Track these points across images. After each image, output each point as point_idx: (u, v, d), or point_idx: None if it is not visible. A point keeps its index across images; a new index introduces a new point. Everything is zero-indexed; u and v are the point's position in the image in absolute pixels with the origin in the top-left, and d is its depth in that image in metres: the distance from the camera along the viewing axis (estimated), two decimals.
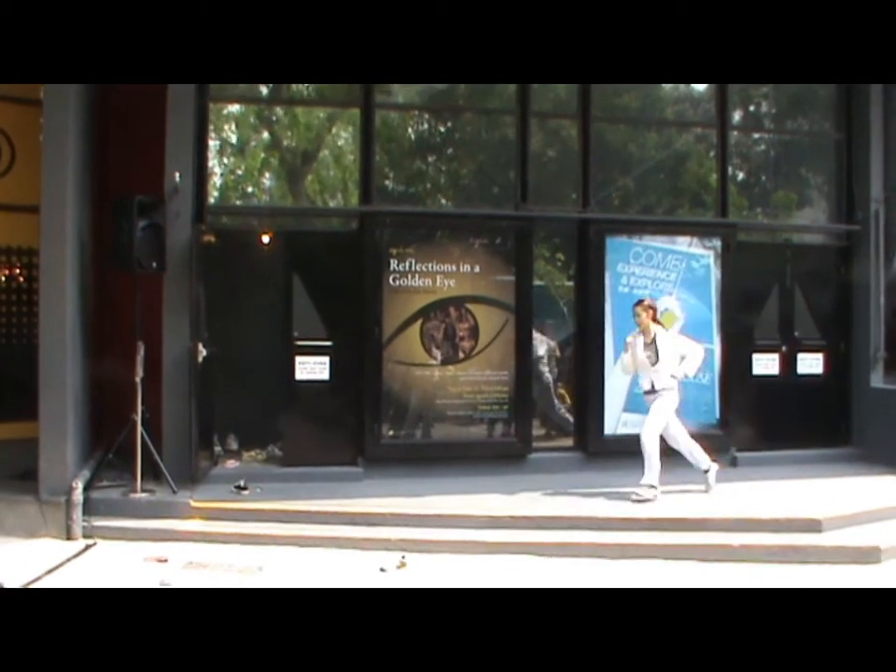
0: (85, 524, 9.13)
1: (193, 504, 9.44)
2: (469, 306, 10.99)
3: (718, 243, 11.77)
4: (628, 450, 10.47)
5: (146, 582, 7.73)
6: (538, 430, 11.65)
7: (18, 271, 11.14)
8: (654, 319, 10.16)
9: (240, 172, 12.12)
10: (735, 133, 12.55)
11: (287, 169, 12.31)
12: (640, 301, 10.26)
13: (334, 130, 12.42)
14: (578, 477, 10.62)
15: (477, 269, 11.05)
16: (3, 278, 11.10)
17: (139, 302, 9.78)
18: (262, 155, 12.26)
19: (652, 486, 9.78)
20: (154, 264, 9.89)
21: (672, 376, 10.09)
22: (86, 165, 10.20)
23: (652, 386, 10.14)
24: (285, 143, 12.21)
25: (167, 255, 9.98)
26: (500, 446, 11.15)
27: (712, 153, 12.33)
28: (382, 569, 8.18)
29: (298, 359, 10.51)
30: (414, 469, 10.50)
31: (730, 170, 12.16)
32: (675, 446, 10.21)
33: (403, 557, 8.41)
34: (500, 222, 11.37)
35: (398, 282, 10.84)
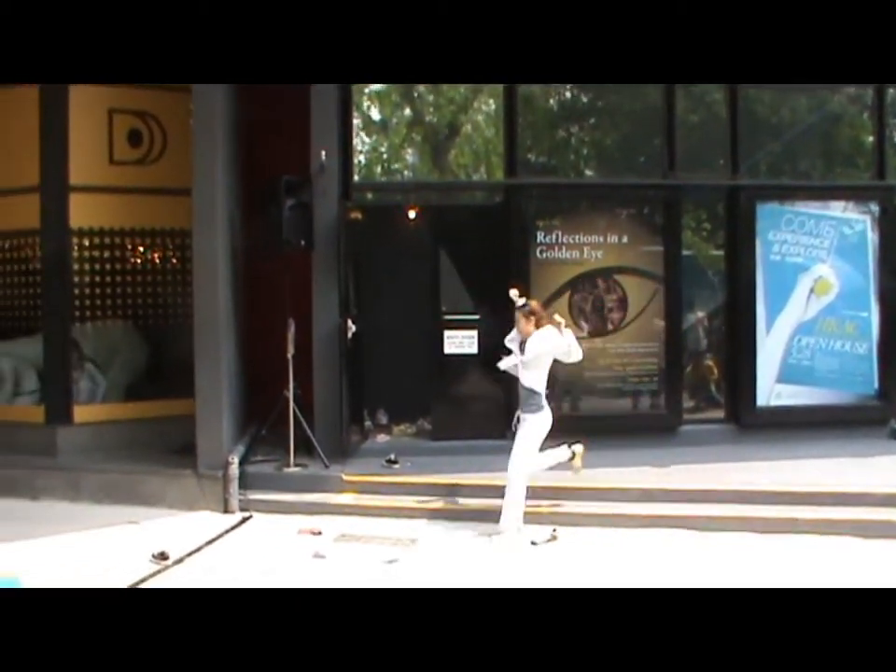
0: (241, 497, 9.40)
1: (345, 478, 9.62)
2: (617, 277, 10.91)
3: (875, 206, 11.40)
4: (782, 421, 10.28)
5: (300, 554, 7.94)
6: (688, 402, 11.49)
7: (171, 252, 11.42)
8: (538, 326, 8.46)
9: (382, 149, 12.21)
10: (893, 90, 12.07)
11: (430, 144, 12.34)
12: (522, 307, 8.57)
13: (475, 104, 12.39)
14: (730, 449, 10.44)
15: (624, 239, 10.96)
16: (157, 260, 11.39)
17: (289, 280, 9.96)
18: (405, 131, 12.33)
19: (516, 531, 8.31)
20: (302, 242, 10.07)
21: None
22: (234, 147, 10.45)
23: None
24: (427, 118, 12.25)
25: (315, 233, 10.15)
26: (650, 418, 11.07)
27: (866, 114, 11.92)
28: (533, 542, 8.22)
29: (446, 333, 10.59)
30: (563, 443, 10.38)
31: (887, 130, 11.73)
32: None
33: (554, 531, 8.43)
34: (647, 191, 11.26)
35: (544, 254, 10.82)
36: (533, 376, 8.50)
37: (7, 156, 10.95)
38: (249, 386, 11.08)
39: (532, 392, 8.48)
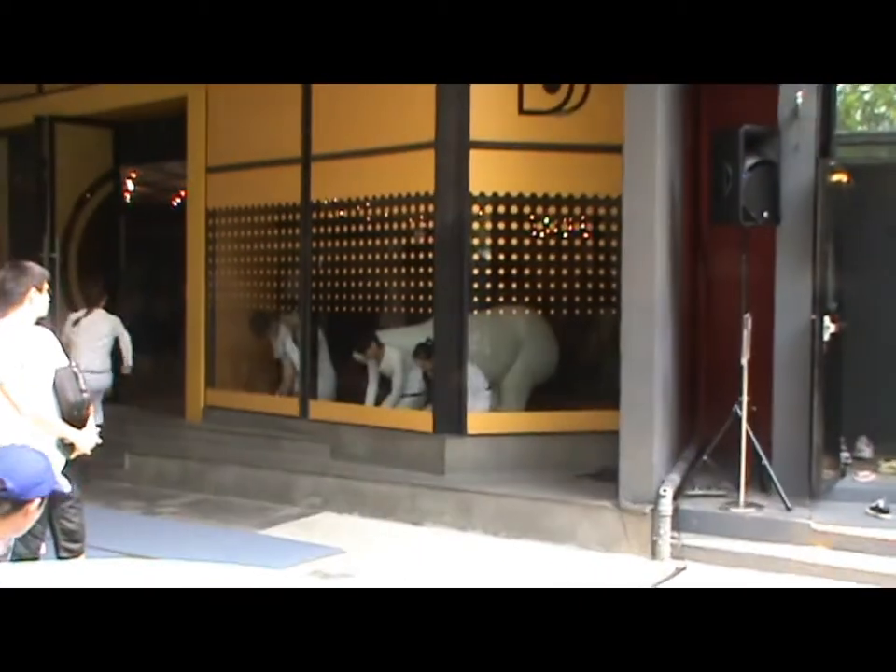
0: (673, 540, 8.40)
1: (814, 526, 8.23)
2: None
3: None
4: None
5: None
6: None
7: (591, 225, 10.51)
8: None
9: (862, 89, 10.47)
10: None
11: None
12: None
13: None
14: None
15: None
16: (573, 234, 10.51)
17: (745, 263, 8.68)
18: None
19: None
20: (765, 214, 8.67)
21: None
22: (675, 91, 9.33)
23: None
24: None
25: (782, 201, 8.74)
26: None
27: None
28: None
29: None
30: None
31: None
32: None
33: None
34: None
35: None
36: None
37: (396, 107, 10.30)
38: (686, 397, 10.03)
39: None
